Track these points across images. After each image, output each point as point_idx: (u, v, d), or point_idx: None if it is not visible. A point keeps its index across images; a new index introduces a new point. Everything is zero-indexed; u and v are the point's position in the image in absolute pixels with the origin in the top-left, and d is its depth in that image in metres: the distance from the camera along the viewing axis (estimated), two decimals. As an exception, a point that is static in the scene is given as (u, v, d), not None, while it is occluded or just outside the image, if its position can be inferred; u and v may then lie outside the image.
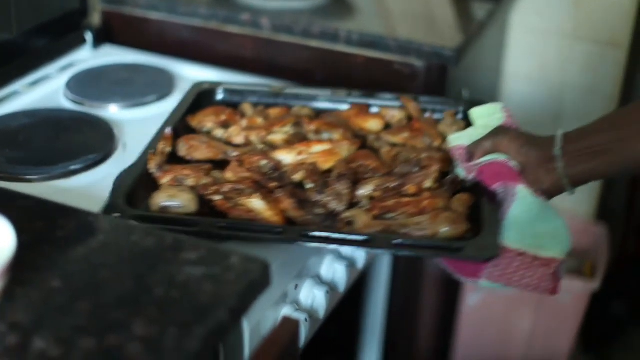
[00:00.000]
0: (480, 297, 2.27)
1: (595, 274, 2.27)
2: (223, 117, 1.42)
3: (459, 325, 2.33)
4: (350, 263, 1.31)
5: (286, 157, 1.30)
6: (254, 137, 1.36)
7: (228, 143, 1.36)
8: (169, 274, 0.91)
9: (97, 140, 1.39)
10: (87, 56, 1.75)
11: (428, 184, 1.24)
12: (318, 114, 1.45)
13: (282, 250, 1.16)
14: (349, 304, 1.66)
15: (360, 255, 1.34)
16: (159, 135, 1.33)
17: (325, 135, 1.36)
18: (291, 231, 1.11)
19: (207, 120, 1.41)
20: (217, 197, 1.19)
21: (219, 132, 1.39)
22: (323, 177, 1.24)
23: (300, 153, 1.30)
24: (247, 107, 1.47)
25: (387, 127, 1.42)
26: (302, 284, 1.21)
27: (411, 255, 1.13)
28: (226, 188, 1.19)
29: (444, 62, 1.69)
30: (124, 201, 1.14)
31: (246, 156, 1.29)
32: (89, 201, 1.17)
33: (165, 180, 1.23)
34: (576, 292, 2.22)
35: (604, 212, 2.53)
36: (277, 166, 1.27)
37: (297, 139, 1.35)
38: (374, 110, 1.47)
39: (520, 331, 2.30)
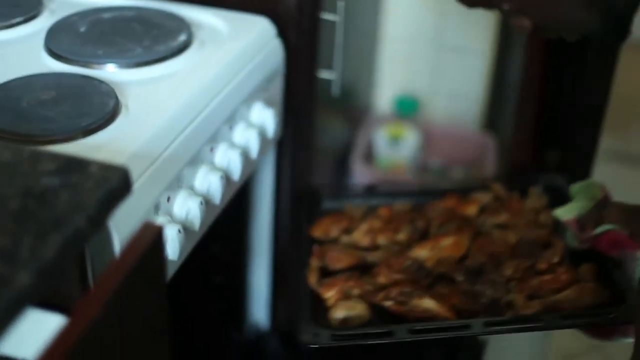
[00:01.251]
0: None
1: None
2: (344, 223, 1.55)
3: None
4: (225, 175, 1.31)
5: (421, 253, 1.45)
6: (381, 239, 1.51)
7: (355, 246, 1.51)
8: (25, 186, 0.89)
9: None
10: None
11: (556, 259, 1.40)
12: (415, 207, 1.60)
13: (152, 160, 1.14)
14: (235, 220, 1.67)
15: (235, 167, 1.34)
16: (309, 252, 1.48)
17: (442, 228, 1.51)
18: (477, 324, 1.28)
19: (331, 229, 1.55)
20: (388, 302, 1.34)
21: (345, 238, 1.53)
22: (463, 267, 1.41)
23: (432, 249, 1.45)
24: (352, 209, 1.60)
25: (481, 209, 1.59)
26: (175, 195, 1.21)
27: (580, 328, 1.33)
28: (394, 293, 1.34)
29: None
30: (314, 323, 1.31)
31: (392, 259, 1.43)
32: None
33: (330, 293, 1.38)
34: (464, 200, 2.26)
35: (491, 123, 2.57)
36: (421, 264, 1.42)
37: (418, 235, 1.51)
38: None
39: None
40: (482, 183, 1.65)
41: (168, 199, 1.19)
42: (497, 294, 1.35)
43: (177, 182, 1.22)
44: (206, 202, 1.26)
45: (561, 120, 2.62)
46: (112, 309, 0.81)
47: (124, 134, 1.18)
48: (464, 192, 1.63)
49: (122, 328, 0.86)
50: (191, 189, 1.25)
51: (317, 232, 1.57)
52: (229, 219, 1.47)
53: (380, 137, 2.36)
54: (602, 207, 1.38)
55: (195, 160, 1.27)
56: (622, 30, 1.18)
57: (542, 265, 1.40)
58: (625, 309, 1.26)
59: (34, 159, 0.94)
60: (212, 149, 1.33)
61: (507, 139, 2.63)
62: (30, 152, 0.95)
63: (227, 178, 1.32)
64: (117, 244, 1.04)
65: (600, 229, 1.35)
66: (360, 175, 2.27)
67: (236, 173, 1.35)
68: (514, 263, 1.40)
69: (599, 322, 1.29)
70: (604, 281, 1.35)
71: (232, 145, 1.37)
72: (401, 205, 1.61)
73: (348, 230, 1.56)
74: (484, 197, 1.61)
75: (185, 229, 1.21)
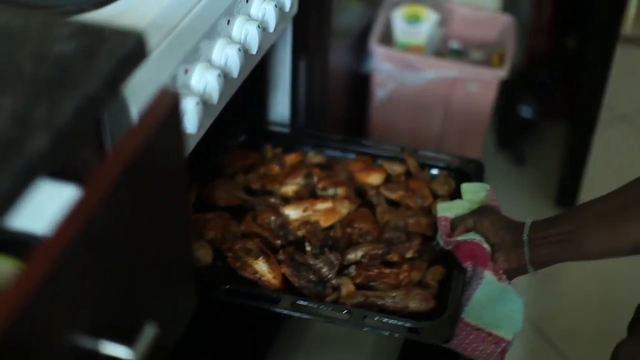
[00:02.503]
0: (389, 90, 2.26)
1: (503, 64, 2.27)
2: (247, 162, 1.57)
3: (369, 120, 2.34)
4: (243, 48, 1.28)
5: (293, 212, 1.45)
6: (269, 187, 1.52)
7: (247, 186, 1.53)
8: (39, 51, 0.87)
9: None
10: None
11: (409, 254, 1.41)
12: (329, 161, 1.60)
13: (167, 32, 1.11)
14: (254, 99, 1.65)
15: (252, 40, 1.32)
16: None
17: (330, 191, 1.51)
18: (286, 301, 1.29)
19: (232, 165, 1.56)
20: (229, 254, 1.36)
21: (241, 178, 1.54)
22: (322, 236, 1.41)
23: (305, 210, 1.46)
24: (268, 150, 1.61)
25: (388, 178, 1.57)
26: (193, 68, 1.18)
27: (380, 333, 1.31)
28: (237, 246, 1.36)
29: None
30: None
31: (259, 211, 1.46)
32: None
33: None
34: (485, 80, 2.23)
35: (509, 7, 2.52)
36: (284, 223, 1.43)
37: (307, 191, 1.52)
38: (378, 161, 1.61)
39: (432, 122, 2.31)
40: (402, 152, 1.62)
41: (185, 72, 1.17)
42: (330, 275, 1.35)
43: (194, 55, 1.19)
44: (224, 75, 1.24)
45: (580, 5, 2.58)
46: (131, 175, 0.79)
47: (137, 6, 1.14)
48: (384, 159, 1.60)
49: (141, 197, 0.85)
50: (208, 61, 1.23)
51: (222, 163, 1.56)
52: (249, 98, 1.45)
53: (398, 18, 2.31)
54: (480, 214, 1.36)
55: (212, 33, 1.24)
56: None
57: (394, 257, 1.40)
58: (430, 327, 1.27)
59: (47, 25, 0.91)
60: (229, 22, 1.29)
61: (525, 24, 2.59)
62: (43, 18, 0.92)
63: (244, 51, 1.30)
64: (135, 113, 1.02)
65: (465, 236, 1.34)
66: (379, 56, 2.23)
67: (254, 46, 1.32)
68: (367, 247, 1.40)
69: (401, 335, 1.29)
70: (445, 289, 1.34)
71: (249, 18, 1.34)
72: (314, 155, 1.60)
73: (247, 170, 1.55)
74: (395, 168, 1.58)
75: (204, 101, 1.19)
